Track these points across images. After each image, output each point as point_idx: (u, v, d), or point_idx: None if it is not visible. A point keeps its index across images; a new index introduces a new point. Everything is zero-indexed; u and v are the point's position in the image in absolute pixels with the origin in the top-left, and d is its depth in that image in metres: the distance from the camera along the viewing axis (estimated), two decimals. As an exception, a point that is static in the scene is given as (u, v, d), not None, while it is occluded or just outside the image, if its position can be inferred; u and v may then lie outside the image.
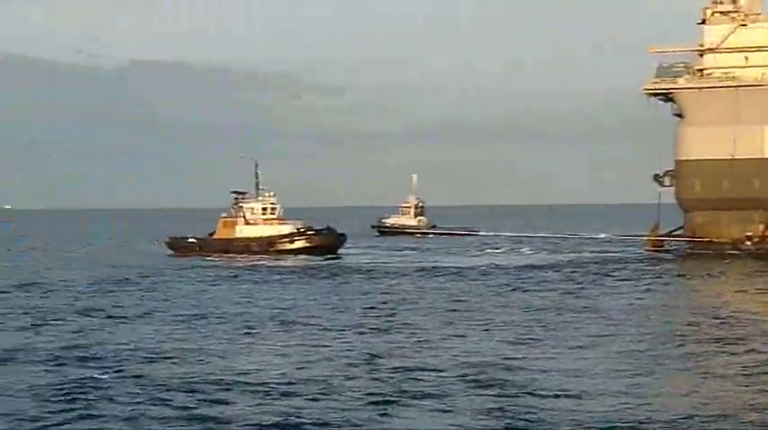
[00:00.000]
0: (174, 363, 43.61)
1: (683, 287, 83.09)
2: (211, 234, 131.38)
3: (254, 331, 54.29)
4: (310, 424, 32.17)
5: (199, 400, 35.83)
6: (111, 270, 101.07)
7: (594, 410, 34.30)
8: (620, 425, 32.45)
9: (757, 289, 77.69)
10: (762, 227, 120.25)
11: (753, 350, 46.75)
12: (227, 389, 37.64)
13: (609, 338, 50.79)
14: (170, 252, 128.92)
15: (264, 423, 32.40)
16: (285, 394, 36.73)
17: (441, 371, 41.44)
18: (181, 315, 61.74)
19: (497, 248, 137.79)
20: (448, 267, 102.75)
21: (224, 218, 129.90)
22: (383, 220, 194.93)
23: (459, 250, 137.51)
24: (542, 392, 37.09)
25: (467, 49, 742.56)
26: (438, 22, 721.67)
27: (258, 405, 35.02)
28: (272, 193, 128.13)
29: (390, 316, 60.78)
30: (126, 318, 60.83)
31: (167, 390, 37.57)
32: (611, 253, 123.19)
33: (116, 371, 41.51)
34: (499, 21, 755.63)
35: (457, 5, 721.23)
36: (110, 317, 61.29)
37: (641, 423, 32.63)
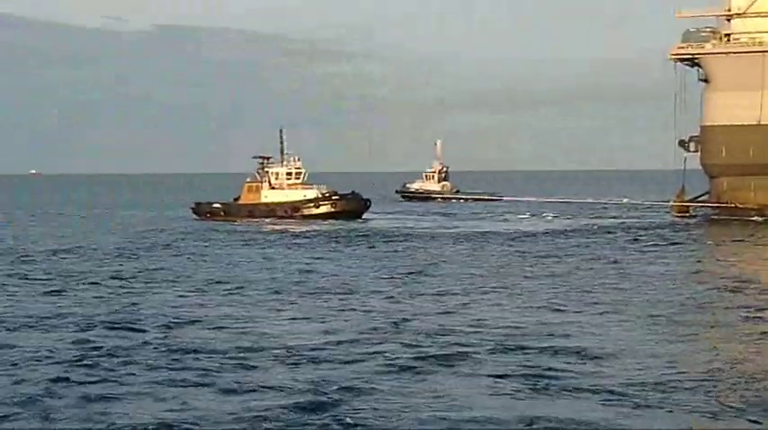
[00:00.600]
0: (199, 328, 43.89)
1: (709, 253, 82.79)
2: (236, 199, 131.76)
3: (279, 296, 54.55)
4: (337, 389, 32.35)
5: (223, 364, 36.05)
6: (139, 236, 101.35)
7: (617, 373, 34.54)
8: (642, 384, 32.70)
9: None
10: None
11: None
12: (252, 354, 37.85)
13: (634, 304, 50.81)
14: (194, 217, 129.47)
15: (290, 388, 32.60)
16: (312, 360, 36.89)
17: (466, 335, 41.64)
18: (207, 280, 62.06)
19: (522, 214, 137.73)
20: (472, 232, 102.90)
21: (249, 182, 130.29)
22: (408, 185, 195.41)
23: (484, 215, 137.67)
24: (566, 357, 37.23)
25: (499, 21, 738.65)
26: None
27: (284, 371, 35.20)
28: (297, 158, 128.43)
29: (416, 281, 60.95)
30: (152, 281, 61.20)
31: (190, 354, 37.82)
32: (638, 219, 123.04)
33: (142, 334, 41.86)
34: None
35: None
36: (136, 281, 61.67)
37: (661, 384, 32.87)
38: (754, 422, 28.86)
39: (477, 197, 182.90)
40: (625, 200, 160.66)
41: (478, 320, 45.49)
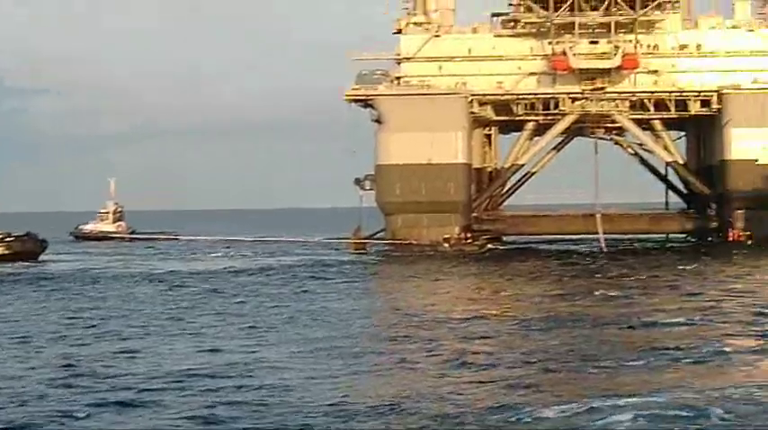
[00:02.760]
0: None
1: (385, 289, 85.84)
2: None
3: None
4: None
5: None
6: None
7: (298, 402, 36.10)
8: (323, 412, 34.41)
9: (446, 291, 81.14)
10: (458, 229, 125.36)
11: (441, 346, 49.46)
12: None
13: (316, 338, 52.31)
14: None
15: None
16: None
17: (148, 378, 42.00)
18: None
19: (203, 252, 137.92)
20: (154, 272, 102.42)
21: None
22: (81, 227, 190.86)
23: (166, 255, 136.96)
24: (249, 391, 38.39)
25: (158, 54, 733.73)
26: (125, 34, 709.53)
27: None
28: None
29: (92, 325, 60.45)
30: None
31: None
32: (319, 256, 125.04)
33: None
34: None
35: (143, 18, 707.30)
36: None
37: (343, 410, 34.80)
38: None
39: (154, 237, 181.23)
40: (305, 238, 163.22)
41: (159, 362, 45.86)
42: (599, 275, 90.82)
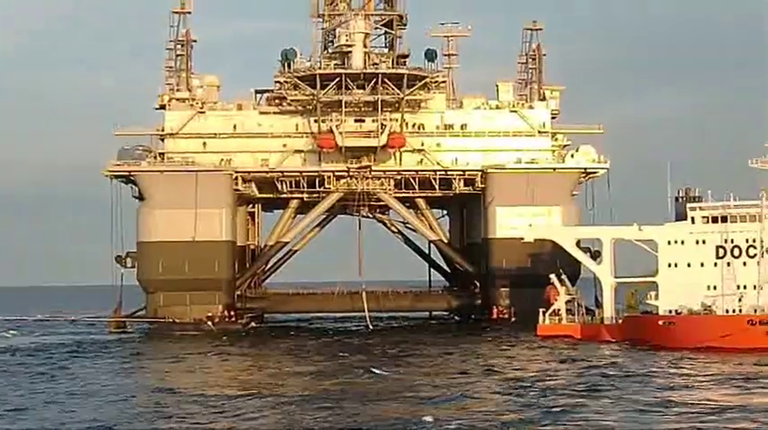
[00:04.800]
0: None
1: (147, 367, 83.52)
2: None
3: None
4: None
5: None
6: None
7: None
8: None
9: (212, 369, 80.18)
10: (221, 307, 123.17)
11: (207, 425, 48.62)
12: None
13: (78, 419, 50.36)
14: None
15: None
16: None
17: None
18: None
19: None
20: None
21: None
22: None
23: None
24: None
25: None
26: None
27: None
28: None
29: None
30: None
31: None
32: (75, 335, 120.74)
33: None
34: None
35: None
36: None
37: None
38: None
39: None
40: (64, 316, 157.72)
41: None
42: (364, 353, 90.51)
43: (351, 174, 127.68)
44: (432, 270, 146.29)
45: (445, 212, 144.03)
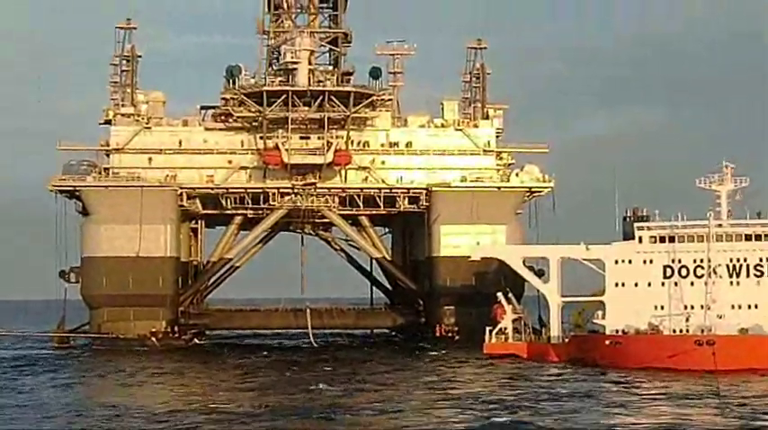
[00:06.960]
0: None
1: (90, 382, 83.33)
2: None
3: None
4: None
5: None
6: None
7: None
8: None
9: (159, 385, 79.94)
10: (165, 323, 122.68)
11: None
12: None
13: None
14: None
15: None
16: None
17: None
18: None
19: None
20: None
21: None
22: None
23: None
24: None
25: None
26: None
27: None
28: None
29: None
30: None
31: None
32: (23, 350, 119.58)
33: None
34: None
35: None
36: None
37: None
38: None
39: None
40: (9, 330, 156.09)
41: None
42: (310, 369, 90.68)
43: (296, 191, 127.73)
44: (374, 287, 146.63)
45: (388, 230, 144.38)
